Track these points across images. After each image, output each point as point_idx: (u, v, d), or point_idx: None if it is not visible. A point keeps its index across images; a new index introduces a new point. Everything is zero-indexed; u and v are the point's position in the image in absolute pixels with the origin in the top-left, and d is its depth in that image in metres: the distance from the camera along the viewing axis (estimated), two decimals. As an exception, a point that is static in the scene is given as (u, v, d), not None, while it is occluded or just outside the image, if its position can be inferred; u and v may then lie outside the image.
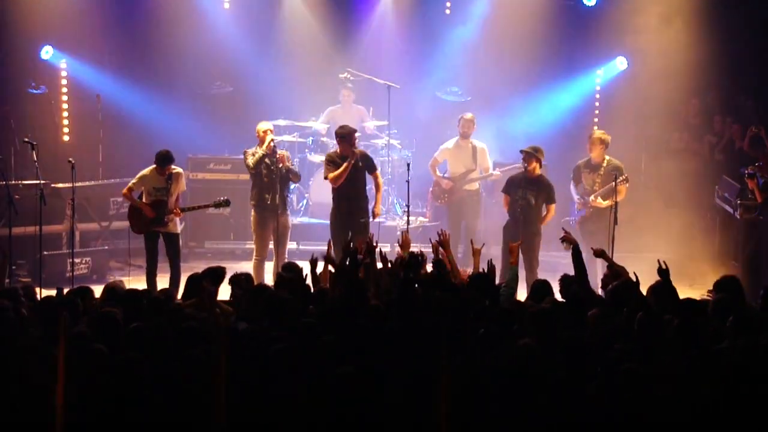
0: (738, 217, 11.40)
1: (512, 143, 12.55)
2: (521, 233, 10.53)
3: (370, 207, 10.79)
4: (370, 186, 11.24)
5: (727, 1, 13.87)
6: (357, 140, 10.85)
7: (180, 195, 10.61)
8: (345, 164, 10.50)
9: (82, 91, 14.15)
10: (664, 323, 6.38)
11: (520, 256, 10.47)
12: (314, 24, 14.81)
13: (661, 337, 6.23)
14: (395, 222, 13.51)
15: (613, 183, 10.63)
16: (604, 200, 10.97)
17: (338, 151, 10.75)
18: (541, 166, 10.76)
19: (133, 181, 10.47)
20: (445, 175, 12.13)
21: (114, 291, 7.41)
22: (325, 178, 10.77)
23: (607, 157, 11.15)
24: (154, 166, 10.40)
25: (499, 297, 7.33)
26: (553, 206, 10.78)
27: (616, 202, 10.44)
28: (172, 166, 10.46)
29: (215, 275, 7.67)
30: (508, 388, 5.59)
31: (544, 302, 7.14)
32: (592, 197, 11.09)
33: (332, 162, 10.67)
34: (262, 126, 11.00)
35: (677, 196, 13.21)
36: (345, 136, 10.63)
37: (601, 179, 11.09)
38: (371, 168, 10.92)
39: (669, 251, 12.48)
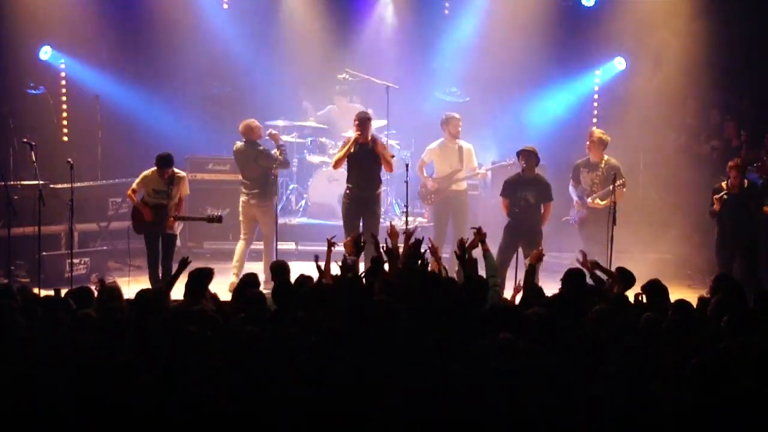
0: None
1: (511, 143, 12.53)
2: (522, 233, 10.54)
3: (383, 194, 10.72)
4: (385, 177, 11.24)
5: (725, 3, 13.86)
6: (370, 128, 11.00)
7: (184, 199, 10.64)
8: (345, 145, 10.84)
9: (81, 92, 14.13)
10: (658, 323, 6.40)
11: (521, 254, 10.53)
12: (313, 24, 14.80)
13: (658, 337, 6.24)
14: (394, 222, 13.45)
15: (611, 186, 10.63)
16: (602, 201, 10.97)
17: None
18: (537, 165, 10.74)
19: (136, 181, 10.57)
20: (432, 175, 12.07)
21: (111, 292, 7.39)
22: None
23: (605, 157, 11.15)
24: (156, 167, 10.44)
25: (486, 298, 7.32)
26: (549, 204, 10.75)
27: (614, 203, 10.43)
28: (176, 170, 10.49)
29: (203, 276, 7.63)
30: (495, 385, 5.57)
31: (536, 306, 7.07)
32: (590, 199, 11.08)
33: (343, 145, 11.02)
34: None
35: (675, 196, 13.19)
36: (359, 121, 10.85)
37: (599, 179, 11.08)
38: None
39: (668, 251, 12.52)
